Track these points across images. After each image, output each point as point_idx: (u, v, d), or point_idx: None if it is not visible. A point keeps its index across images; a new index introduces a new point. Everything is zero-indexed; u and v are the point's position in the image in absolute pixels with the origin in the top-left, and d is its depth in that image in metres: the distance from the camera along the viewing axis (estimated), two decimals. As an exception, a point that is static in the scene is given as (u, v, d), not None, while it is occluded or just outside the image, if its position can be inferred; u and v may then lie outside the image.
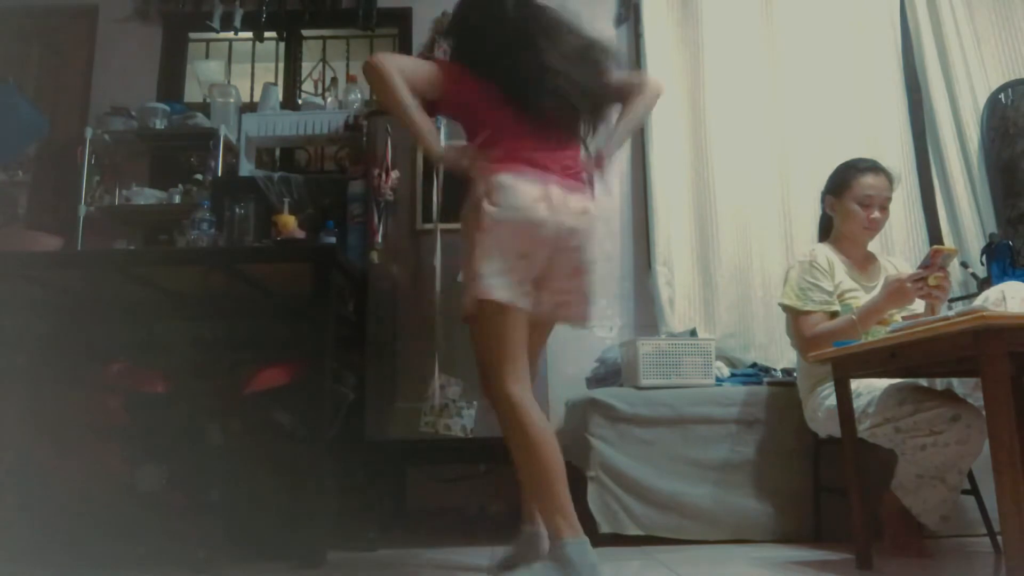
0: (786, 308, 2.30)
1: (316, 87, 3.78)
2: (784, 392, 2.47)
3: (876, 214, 2.26)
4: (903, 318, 2.18)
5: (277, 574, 1.96)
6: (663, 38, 3.45)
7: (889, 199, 2.30)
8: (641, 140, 3.43)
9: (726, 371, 2.67)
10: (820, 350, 2.06)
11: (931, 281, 1.98)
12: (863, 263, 2.35)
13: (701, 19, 3.42)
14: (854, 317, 2.12)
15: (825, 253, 2.30)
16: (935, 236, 3.26)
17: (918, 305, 2.20)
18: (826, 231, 2.44)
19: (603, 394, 2.48)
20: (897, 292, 2.04)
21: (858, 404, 2.02)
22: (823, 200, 2.40)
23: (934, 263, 1.98)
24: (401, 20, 3.68)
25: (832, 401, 2.06)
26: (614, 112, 1.96)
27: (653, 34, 3.45)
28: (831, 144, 3.20)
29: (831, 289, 2.23)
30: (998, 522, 1.46)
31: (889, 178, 2.30)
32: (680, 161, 3.34)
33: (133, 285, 2.42)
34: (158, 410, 2.19)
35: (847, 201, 2.29)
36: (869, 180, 2.27)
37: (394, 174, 2.62)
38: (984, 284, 2.78)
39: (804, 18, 3.43)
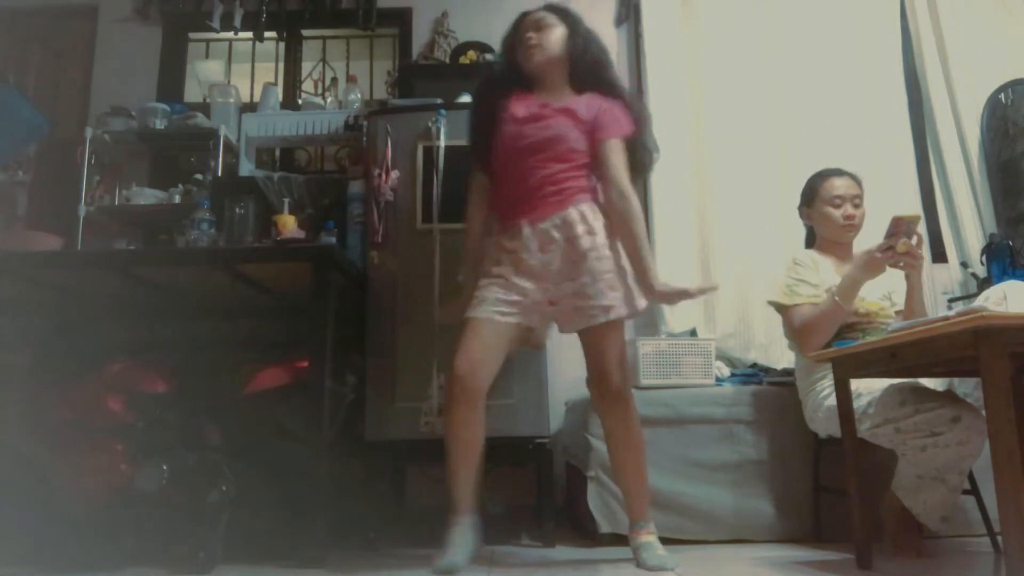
0: (776, 305, 2.33)
1: (316, 87, 3.79)
2: (784, 392, 2.47)
3: (849, 210, 2.33)
4: (896, 313, 2.21)
5: (277, 574, 1.96)
6: (663, 38, 3.45)
7: (859, 196, 2.36)
8: (641, 140, 3.42)
9: (726, 371, 2.68)
10: (812, 338, 2.16)
11: (899, 248, 2.02)
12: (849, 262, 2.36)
13: (701, 19, 3.42)
14: (836, 297, 2.15)
15: (809, 254, 2.38)
16: (935, 236, 3.27)
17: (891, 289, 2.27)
18: (812, 243, 2.50)
19: (603, 394, 2.47)
20: (869, 263, 2.08)
21: (858, 404, 2.02)
22: (800, 213, 2.49)
23: (898, 231, 2.03)
24: (401, 20, 3.68)
25: (832, 401, 2.06)
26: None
27: (653, 34, 3.44)
28: (831, 144, 3.21)
29: (817, 282, 2.27)
30: (998, 522, 1.46)
31: (855, 179, 2.39)
32: (680, 161, 3.33)
33: (133, 285, 2.42)
34: (158, 410, 2.19)
35: (819, 206, 2.37)
36: (835, 182, 2.36)
37: (394, 174, 2.62)
38: (984, 284, 2.78)
39: (804, 19, 3.43)
